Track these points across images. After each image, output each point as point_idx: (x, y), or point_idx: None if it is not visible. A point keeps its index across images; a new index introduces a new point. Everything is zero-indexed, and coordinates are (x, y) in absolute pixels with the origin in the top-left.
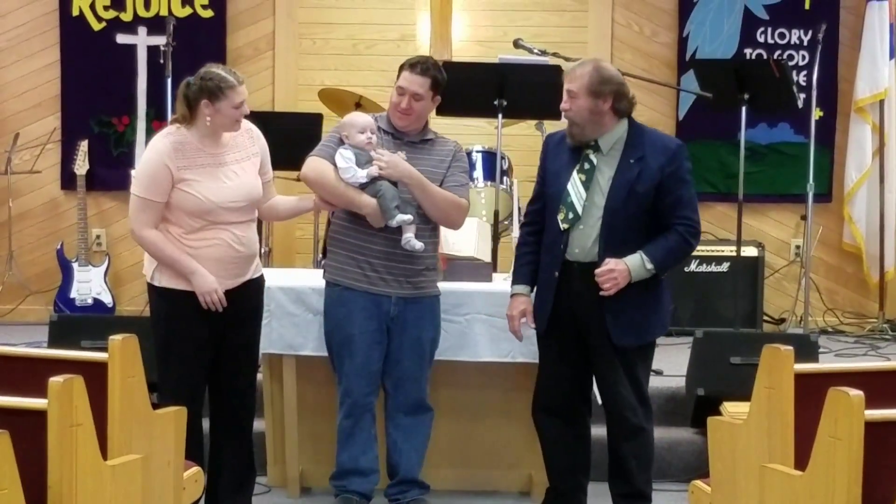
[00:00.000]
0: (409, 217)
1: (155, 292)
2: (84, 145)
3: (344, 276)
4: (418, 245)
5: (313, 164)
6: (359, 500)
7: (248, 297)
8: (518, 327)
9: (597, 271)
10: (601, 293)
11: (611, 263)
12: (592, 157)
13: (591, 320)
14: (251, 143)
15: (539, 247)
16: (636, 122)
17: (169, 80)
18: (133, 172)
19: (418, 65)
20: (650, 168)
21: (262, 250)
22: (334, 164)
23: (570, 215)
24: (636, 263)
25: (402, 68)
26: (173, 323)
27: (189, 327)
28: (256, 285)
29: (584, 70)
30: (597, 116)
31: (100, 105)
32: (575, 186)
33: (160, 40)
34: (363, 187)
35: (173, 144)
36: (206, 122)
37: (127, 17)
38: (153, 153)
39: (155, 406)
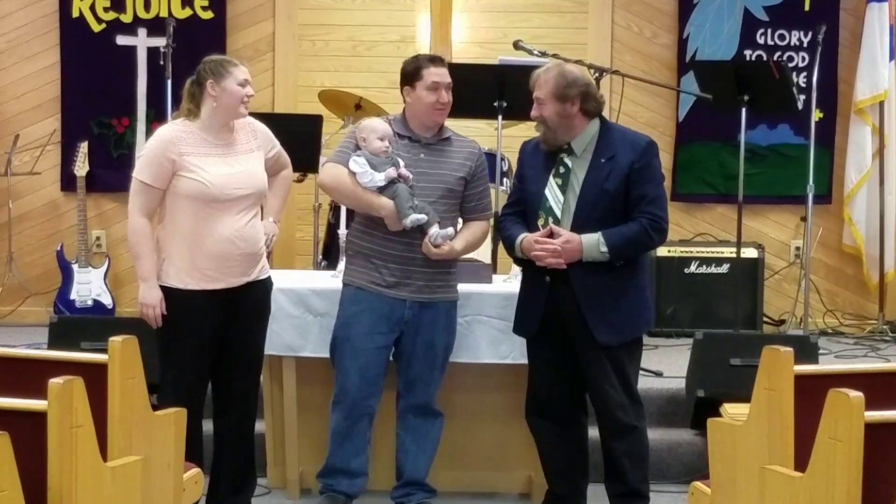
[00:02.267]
0: (423, 216)
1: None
2: (84, 147)
3: (359, 278)
4: (450, 231)
5: (330, 169)
6: (344, 500)
7: (253, 299)
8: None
9: (540, 237)
10: (538, 263)
11: (561, 238)
12: (567, 160)
13: (575, 321)
14: (253, 137)
15: (524, 219)
16: (607, 121)
17: (169, 82)
18: (137, 156)
19: (437, 58)
20: (620, 165)
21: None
22: (349, 170)
23: (551, 220)
24: (591, 243)
25: (419, 68)
26: (175, 322)
27: (190, 327)
28: (263, 287)
29: (548, 76)
30: (566, 120)
31: (100, 106)
32: (552, 191)
33: (160, 42)
34: (381, 191)
35: (177, 133)
36: (212, 106)
37: (127, 18)
38: (156, 139)
39: (155, 407)
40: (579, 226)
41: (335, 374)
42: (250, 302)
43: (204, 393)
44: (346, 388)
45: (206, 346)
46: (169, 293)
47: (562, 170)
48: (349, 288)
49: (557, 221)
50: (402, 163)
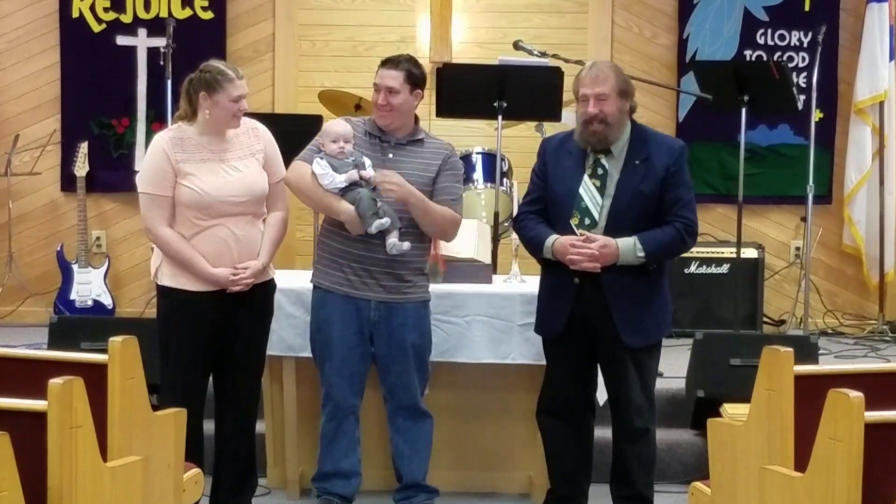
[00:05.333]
0: (386, 220)
1: (159, 291)
2: (84, 147)
3: (326, 279)
4: (405, 245)
5: (296, 168)
6: (339, 502)
7: (255, 300)
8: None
9: (576, 241)
10: (571, 266)
11: (598, 243)
12: (604, 161)
13: (602, 323)
14: (255, 141)
15: (545, 218)
16: (637, 123)
17: (169, 82)
18: (139, 171)
19: (390, 60)
20: (655, 168)
21: None
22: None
23: (587, 221)
24: (628, 247)
25: (378, 68)
26: (175, 323)
27: (191, 328)
28: (264, 289)
29: (609, 72)
30: (623, 117)
31: (100, 107)
32: (589, 192)
33: (160, 42)
34: (342, 193)
35: (172, 139)
36: (205, 115)
37: (127, 18)
38: (153, 147)
39: (155, 407)
40: (613, 227)
41: (321, 380)
42: (252, 303)
43: (204, 393)
44: (328, 391)
45: (206, 345)
46: (169, 293)
47: (599, 171)
48: (317, 291)
49: (594, 222)
50: (368, 163)
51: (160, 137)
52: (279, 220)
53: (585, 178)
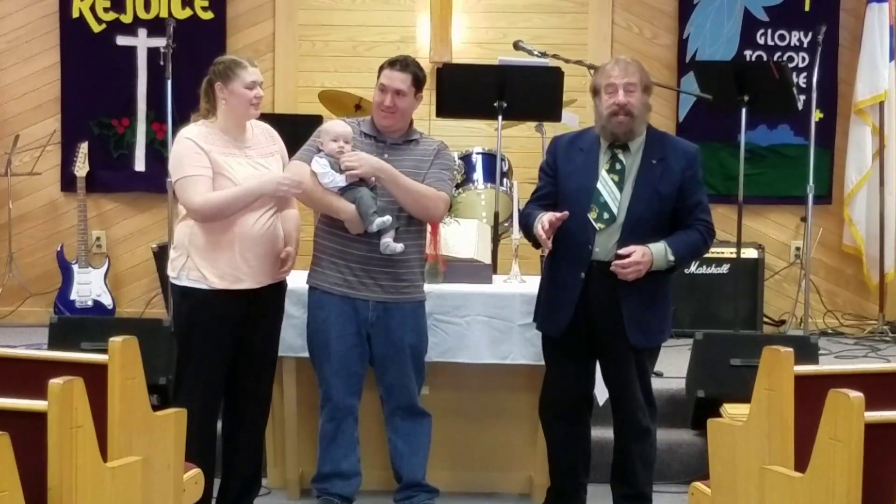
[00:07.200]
0: (387, 219)
1: (179, 292)
2: (84, 147)
3: (324, 281)
4: (398, 247)
5: (294, 168)
6: (339, 503)
7: (271, 300)
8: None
9: (622, 262)
10: (620, 277)
11: (637, 254)
12: (622, 157)
13: (609, 321)
14: (272, 143)
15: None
16: (650, 125)
17: (169, 82)
18: (169, 168)
19: (398, 62)
20: (672, 170)
21: None
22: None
23: (606, 216)
24: (660, 252)
25: (381, 68)
26: (195, 324)
27: (211, 328)
28: (279, 287)
29: (634, 65)
30: (645, 113)
31: (100, 107)
32: (607, 186)
33: (160, 42)
34: (342, 192)
35: (201, 132)
36: (224, 107)
37: (127, 18)
38: (180, 141)
39: (156, 408)
40: (631, 225)
41: (318, 381)
42: (269, 303)
43: (221, 393)
44: (327, 392)
45: (225, 347)
46: (189, 293)
47: (618, 166)
48: (314, 292)
49: (613, 217)
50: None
51: (187, 131)
52: (296, 216)
53: (603, 172)
